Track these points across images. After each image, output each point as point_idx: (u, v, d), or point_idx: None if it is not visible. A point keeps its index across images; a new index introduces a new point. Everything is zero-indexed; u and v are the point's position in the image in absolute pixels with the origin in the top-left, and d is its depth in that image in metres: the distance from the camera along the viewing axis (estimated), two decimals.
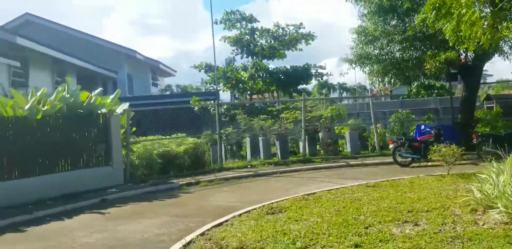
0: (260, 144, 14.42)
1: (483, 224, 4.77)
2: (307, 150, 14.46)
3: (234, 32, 20.58)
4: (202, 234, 5.51)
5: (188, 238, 5.24)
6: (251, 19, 19.99)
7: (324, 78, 21.72)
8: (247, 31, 20.31)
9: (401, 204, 6.13)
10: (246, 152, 14.88)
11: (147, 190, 10.42)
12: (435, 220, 5.09)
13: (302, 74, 19.81)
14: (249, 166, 13.33)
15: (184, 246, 4.96)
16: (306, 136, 14.47)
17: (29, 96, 10.72)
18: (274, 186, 10.21)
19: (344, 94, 60.43)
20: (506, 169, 5.44)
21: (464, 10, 6.41)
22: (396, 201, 6.41)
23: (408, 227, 5.00)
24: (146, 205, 8.78)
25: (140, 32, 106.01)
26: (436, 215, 5.32)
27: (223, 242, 4.95)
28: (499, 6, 6.49)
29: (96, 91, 11.73)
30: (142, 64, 30.64)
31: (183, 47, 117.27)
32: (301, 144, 14.64)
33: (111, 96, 11.76)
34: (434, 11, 7.22)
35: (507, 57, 13.42)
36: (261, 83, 20.34)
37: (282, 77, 20.13)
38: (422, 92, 30.40)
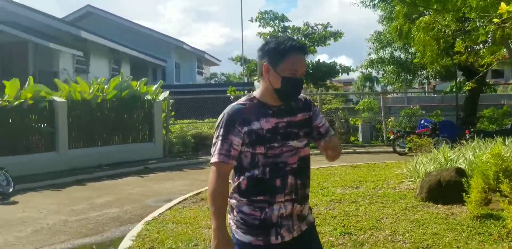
0: None
1: (398, 189, 6.78)
2: None
3: (268, 29, 22.70)
4: None
5: (197, 191, 7.57)
6: (283, 19, 22.02)
7: (350, 73, 23.44)
8: (280, 29, 22.34)
9: (359, 177, 8.16)
10: None
11: (181, 163, 12.86)
12: (369, 186, 7.14)
13: (330, 69, 21.68)
14: None
15: (194, 194, 7.29)
16: None
17: (91, 83, 13.42)
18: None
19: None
20: (433, 154, 7.37)
21: None
22: (358, 175, 8.42)
23: (349, 190, 7.07)
24: (177, 173, 11.23)
25: (194, 19, 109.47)
26: (374, 184, 7.35)
27: None
28: None
29: (142, 80, 14.26)
30: (189, 54, 33.28)
31: (234, 34, 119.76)
32: None
33: (155, 86, 14.29)
34: None
35: None
36: None
37: (311, 71, 22.08)
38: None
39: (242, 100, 2.22)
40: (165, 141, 13.89)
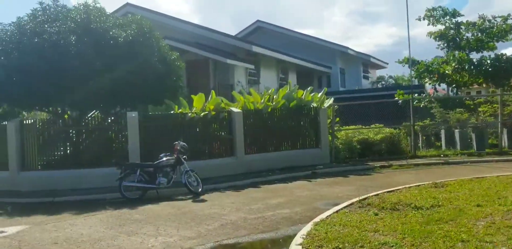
0: (456, 136, 15.56)
1: None
2: (505, 143, 14.98)
3: (438, 27, 21.35)
4: (376, 195, 7.90)
5: (363, 196, 7.74)
6: (454, 14, 20.50)
7: None
8: (452, 26, 20.85)
9: None
10: (441, 143, 16.17)
11: (347, 168, 13.10)
12: None
13: None
14: (442, 155, 14.71)
15: (360, 200, 7.48)
16: (505, 130, 14.99)
17: (262, 94, 14.62)
18: (456, 172, 11.59)
19: None
20: None
21: None
22: None
23: None
24: (344, 178, 11.50)
25: (360, 21, 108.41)
26: None
27: (386, 199, 7.28)
28: None
29: (308, 89, 14.95)
30: (354, 58, 33.35)
31: (403, 33, 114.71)
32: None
33: (320, 93, 14.86)
34: None
35: None
36: (467, 76, 20.68)
37: (490, 69, 20.06)
38: None
39: None
40: (331, 147, 14.29)
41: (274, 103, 13.97)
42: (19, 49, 10.77)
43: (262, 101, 13.96)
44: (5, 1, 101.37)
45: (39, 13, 11.74)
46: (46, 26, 11.20)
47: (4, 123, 12.03)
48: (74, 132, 12.25)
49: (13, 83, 10.77)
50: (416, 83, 25.34)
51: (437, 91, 23.01)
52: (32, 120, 12.43)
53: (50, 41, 10.67)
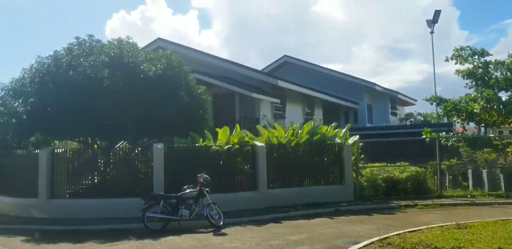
0: (484, 176, 15.22)
1: None
2: None
3: (466, 66, 21.31)
4: (397, 234, 7.79)
5: (385, 236, 7.64)
6: (483, 53, 20.50)
7: None
8: (480, 65, 20.80)
9: None
10: (469, 183, 15.81)
11: (371, 207, 12.90)
12: None
13: None
14: (468, 196, 14.37)
15: (381, 239, 7.38)
16: None
17: (287, 128, 14.76)
18: (482, 213, 11.30)
19: None
20: None
21: None
22: None
23: None
24: (367, 217, 11.35)
25: (389, 57, 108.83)
26: None
27: (407, 239, 7.18)
28: None
29: (332, 125, 15.04)
30: (381, 95, 33.34)
31: (433, 70, 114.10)
32: None
33: (344, 129, 14.91)
34: None
35: None
36: (496, 115, 20.40)
37: None
38: None
39: None
40: (355, 184, 14.16)
41: (298, 138, 14.07)
42: (55, 81, 11.34)
43: (286, 135, 14.09)
44: (43, 36, 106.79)
45: (75, 47, 12.39)
46: (81, 59, 11.80)
47: (36, 151, 12.48)
48: (102, 162, 12.58)
49: (48, 114, 11.27)
50: (446, 121, 25.09)
51: (466, 130, 22.68)
52: (62, 149, 12.85)
53: (85, 74, 11.21)
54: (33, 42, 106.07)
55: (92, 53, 12.12)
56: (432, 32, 16.81)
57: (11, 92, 11.87)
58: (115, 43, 12.50)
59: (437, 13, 16.31)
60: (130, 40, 12.80)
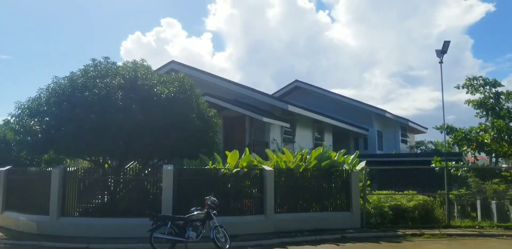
0: (493, 207, 15.10)
1: None
2: None
3: (477, 96, 21.37)
4: None
5: None
6: (495, 84, 20.59)
7: None
8: (491, 95, 20.85)
9: None
10: (477, 214, 15.66)
11: (377, 234, 12.81)
12: None
13: None
14: (477, 227, 14.20)
15: None
16: None
17: (296, 153, 14.88)
18: (490, 245, 11.23)
19: None
20: None
21: None
22: None
23: None
24: (373, 244, 11.32)
25: (401, 84, 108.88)
26: None
27: None
28: None
29: (341, 151, 15.11)
30: (391, 122, 33.38)
31: (446, 98, 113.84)
32: None
33: (352, 156, 14.98)
34: None
35: None
36: (506, 146, 20.33)
37: None
38: None
39: None
40: (362, 211, 14.12)
41: (306, 163, 14.17)
42: (70, 101, 11.67)
43: (294, 160, 14.20)
44: (60, 57, 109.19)
45: (91, 68, 12.76)
46: (96, 81, 12.15)
47: (49, 169, 12.73)
48: (112, 181, 12.77)
49: (62, 133, 11.53)
50: (457, 150, 24.97)
51: (477, 160, 22.53)
52: (74, 168, 13.09)
53: (99, 95, 11.54)
54: (50, 62, 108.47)
55: (107, 74, 12.47)
56: (441, 62, 17.01)
57: (27, 111, 12.19)
58: (130, 65, 12.88)
59: (446, 44, 16.53)
60: (145, 63, 13.19)
